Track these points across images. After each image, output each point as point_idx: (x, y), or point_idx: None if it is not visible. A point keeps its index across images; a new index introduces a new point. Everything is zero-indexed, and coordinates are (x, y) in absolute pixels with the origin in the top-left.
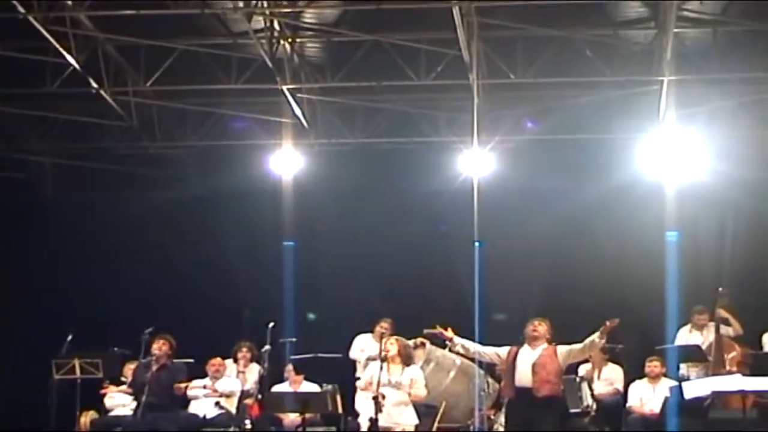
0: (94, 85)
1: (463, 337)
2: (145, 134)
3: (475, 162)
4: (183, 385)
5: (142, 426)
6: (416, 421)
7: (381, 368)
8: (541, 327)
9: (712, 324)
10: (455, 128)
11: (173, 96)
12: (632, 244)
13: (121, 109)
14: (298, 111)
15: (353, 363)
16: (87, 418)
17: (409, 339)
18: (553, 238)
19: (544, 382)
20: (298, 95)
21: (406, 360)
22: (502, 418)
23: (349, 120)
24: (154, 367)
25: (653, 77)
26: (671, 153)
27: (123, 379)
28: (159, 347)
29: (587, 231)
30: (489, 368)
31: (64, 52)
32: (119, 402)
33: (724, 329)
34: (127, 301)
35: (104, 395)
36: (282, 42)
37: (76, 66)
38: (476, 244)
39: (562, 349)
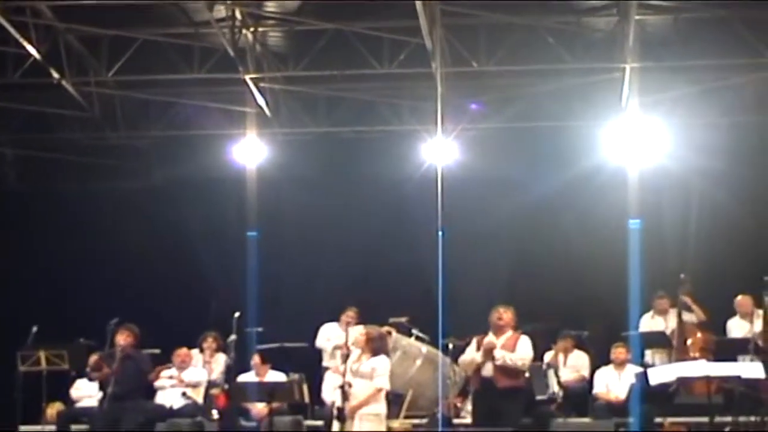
0: (56, 75)
1: (426, 325)
2: (107, 125)
3: (439, 150)
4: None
5: (108, 416)
6: (380, 411)
7: (348, 358)
8: (506, 315)
9: (674, 310)
10: (419, 117)
11: (135, 86)
12: (596, 231)
13: (83, 100)
14: (261, 100)
15: (319, 352)
16: (53, 409)
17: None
18: (517, 226)
19: (505, 373)
20: (261, 84)
21: (375, 350)
22: (469, 406)
23: (312, 109)
24: (119, 358)
25: (615, 65)
26: (634, 140)
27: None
28: (123, 338)
29: (551, 219)
30: (454, 357)
31: (25, 43)
32: (85, 393)
33: (687, 316)
34: (91, 293)
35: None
36: (244, 31)
37: (37, 56)
38: (440, 232)
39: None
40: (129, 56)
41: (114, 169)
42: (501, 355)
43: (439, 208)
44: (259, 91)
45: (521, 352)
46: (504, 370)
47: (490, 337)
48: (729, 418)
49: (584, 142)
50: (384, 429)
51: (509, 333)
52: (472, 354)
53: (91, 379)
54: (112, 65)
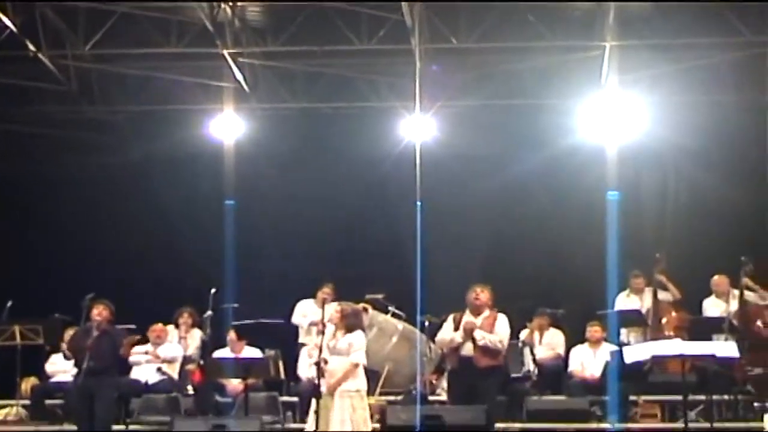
0: (32, 48)
1: (403, 302)
2: (84, 98)
3: (417, 127)
4: (136, 337)
5: (82, 392)
6: (360, 386)
7: (323, 334)
8: (483, 294)
9: (649, 289)
10: (397, 93)
11: (113, 60)
12: (573, 209)
13: (60, 73)
14: (239, 75)
15: (295, 328)
16: (28, 384)
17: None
18: (495, 204)
19: (485, 353)
20: (239, 60)
21: (350, 326)
22: (444, 383)
23: (291, 84)
24: (94, 333)
25: (595, 42)
26: (612, 118)
27: (63, 345)
28: (99, 313)
29: (529, 196)
30: (430, 334)
31: (1, 15)
32: (60, 368)
33: (662, 294)
34: (67, 267)
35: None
36: (222, 5)
37: (14, 29)
38: (417, 207)
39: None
40: (106, 30)
41: (90, 143)
42: (481, 336)
43: (417, 184)
44: (237, 66)
45: (500, 331)
46: (484, 350)
47: (468, 317)
48: (703, 397)
49: (563, 120)
50: (365, 404)
51: (486, 312)
52: (450, 333)
53: (66, 357)
54: (90, 38)
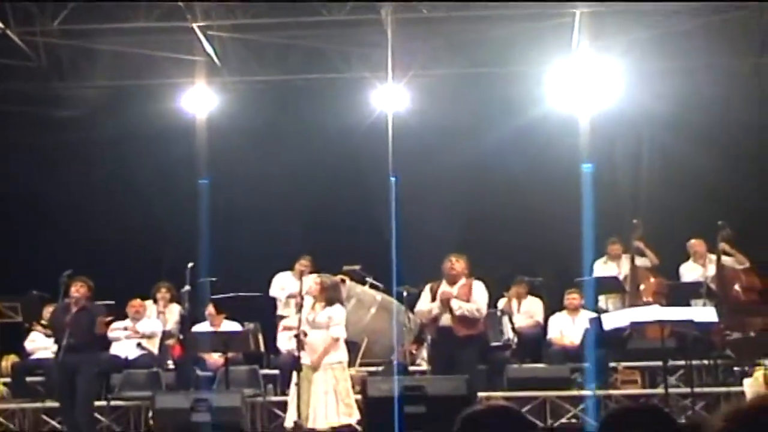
0: (0, 25)
1: (380, 272)
2: (54, 75)
3: (389, 97)
4: (107, 318)
5: (63, 368)
6: (342, 358)
7: (302, 306)
8: (458, 264)
9: (627, 255)
10: (369, 64)
11: (82, 35)
12: (548, 177)
13: (29, 50)
14: (209, 49)
15: (274, 301)
16: (8, 362)
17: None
18: (469, 173)
19: (463, 322)
20: (209, 33)
21: (329, 299)
22: (424, 353)
23: (261, 57)
24: (73, 309)
25: (566, 9)
26: (585, 85)
27: (42, 322)
28: (77, 289)
29: (503, 165)
30: (409, 304)
31: None
32: (40, 345)
33: (640, 261)
34: (44, 244)
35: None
36: None
37: None
38: (392, 179)
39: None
40: (74, 5)
41: (61, 120)
42: (458, 306)
43: (390, 155)
44: (208, 39)
45: (477, 299)
46: (462, 319)
47: (444, 287)
48: (682, 362)
49: (536, 88)
50: (347, 375)
51: (463, 280)
52: (427, 304)
53: (46, 335)
54: (58, 14)
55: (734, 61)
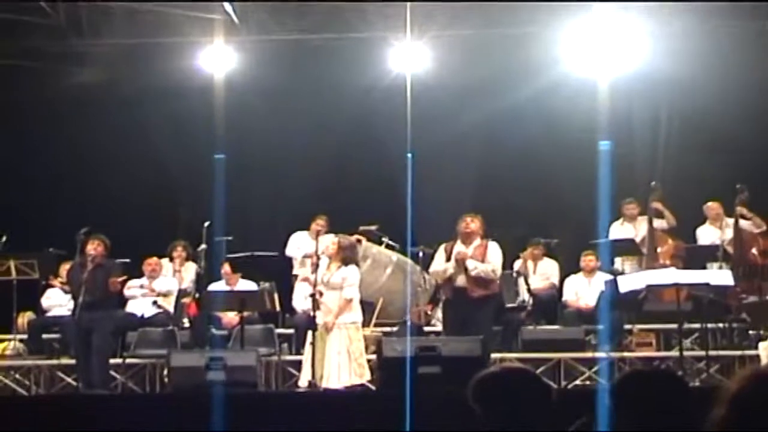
0: None
1: (396, 232)
2: (72, 32)
3: (408, 58)
4: (119, 279)
5: (79, 326)
6: (356, 319)
7: (318, 266)
8: (473, 223)
9: (644, 217)
10: (388, 23)
11: None
12: (566, 140)
13: (48, 7)
14: (228, 8)
15: (290, 261)
16: (24, 318)
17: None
18: (485, 134)
19: (478, 283)
20: None
21: (345, 259)
22: (439, 314)
23: (280, 16)
24: (90, 267)
25: None
26: (604, 46)
27: (59, 279)
28: (94, 247)
29: (521, 126)
30: (425, 264)
31: None
32: (56, 302)
33: (657, 222)
34: (61, 202)
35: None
36: None
37: None
38: (408, 155)
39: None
40: None
41: (79, 78)
42: (473, 266)
43: (408, 116)
44: None
45: (492, 259)
46: (477, 280)
47: (459, 247)
48: (698, 325)
49: (556, 49)
50: (360, 336)
51: (478, 241)
52: (442, 264)
53: (65, 292)
54: None
55: (755, 22)
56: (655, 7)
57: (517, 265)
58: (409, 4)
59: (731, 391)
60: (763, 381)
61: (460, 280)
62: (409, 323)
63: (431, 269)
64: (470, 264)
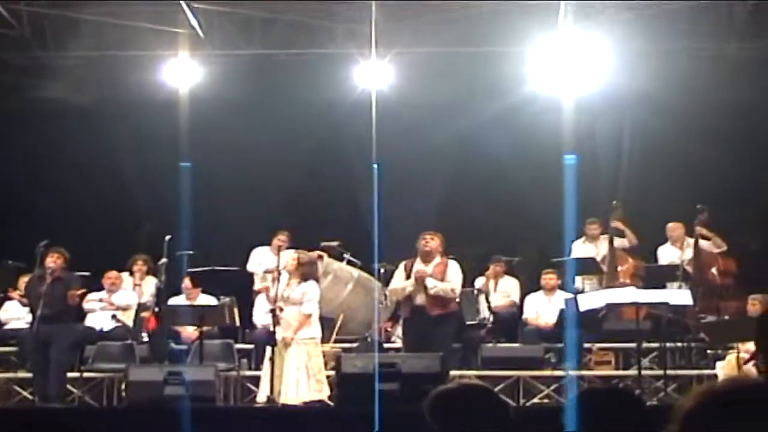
0: None
1: (358, 249)
2: (36, 43)
3: (373, 74)
4: (78, 292)
5: (37, 339)
6: (315, 335)
7: (278, 281)
8: (433, 241)
9: (605, 236)
10: (354, 39)
11: (66, 4)
12: (530, 158)
13: (12, 18)
14: (194, 21)
15: (251, 276)
16: None
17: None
18: (451, 151)
19: (437, 301)
20: (195, 5)
21: (305, 275)
22: (399, 331)
23: (246, 30)
24: (49, 280)
25: None
26: (569, 66)
27: (18, 292)
28: (53, 260)
29: (485, 144)
30: (386, 281)
31: None
32: (14, 315)
33: (619, 241)
34: (20, 214)
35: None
36: None
37: None
38: (374, 166)
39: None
40: None
41: (43, 89)
42: (433, 285)
43: (373, 133)
44: (192, 11)
45: (452, 278)
46: (436, 298)
47: (418, 265)
48: (656, 344)
49: (520, 68)
50: (319, 351)
51: (437, 259)
52: (402, 282)
53: (23, 304)
54: None
55: (717, 45)
56: (618, 27)
57: (480, 282)
58: (374, 20)
59: (685, 408)
60: (716, 398)
61: (419, 299)
62: (377, 338)
63: (390, 287)
64: (429, 282)
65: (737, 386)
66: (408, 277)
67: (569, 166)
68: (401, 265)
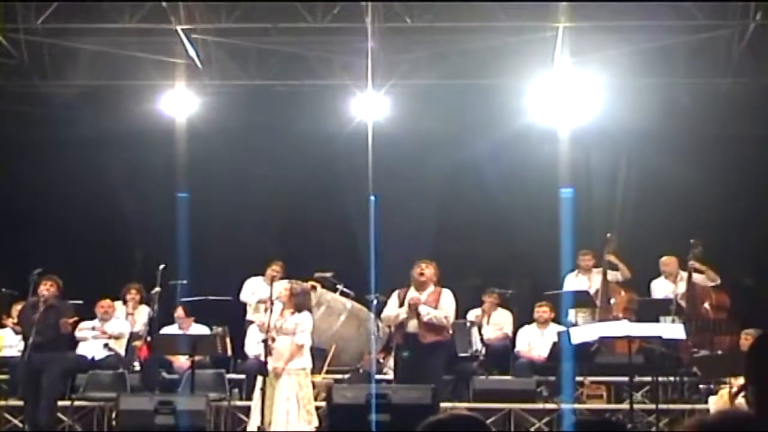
0: None
1: (352, 279)
2: (35, 72)
3: (370, 105)
4: (70, 320)
5: (29, 366)
6: (306, 365)
7: (271, 312)
8: (428, 270)
9: (598, 269)
10: (351, 71)
11: (65, 34)
12: (525, 190)
13: (12, 47)
14: (191, 51)
15: (243, 306)
16: None
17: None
18: (447, 183)
19: (429, 329)
20: (192, 36)
21: (298, 305)
22: (391, 362)
23: (244, 61)
24: (42, 308)
25: (548, 23)
26: (565, 99)
27: (11, 320)
28: (47, 288)
29: (481, 176)
30: (378, 312)
31: None
32: (6, 343)
33: (612, 275)
34: (15, 242)
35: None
36: None
37: None
38: (371, 197)
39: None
40: (59, 4)
41: (41, 118)
42: (426, 312)
43: (369, 164)
44: (190, 42)
45: (445, 306)
46: (429, 326)
47: (412, 293)
48: (649, 378)
49: (516, 101)
50: (309, 382)
51: (431, 288)
52: (395, 309)
53: (15, 332)
54: (42, 12)
55: (713, 79)
56: (613, 62)
57: (473, 314)
58: (371, 52)
59: None
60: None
61: (412, 326)
62: (372, 369)
63: (383, 314)
64: (423, 309)
65: (728, 418)
66: (401, 305)
67: (565, 199)
68: (394, 294)
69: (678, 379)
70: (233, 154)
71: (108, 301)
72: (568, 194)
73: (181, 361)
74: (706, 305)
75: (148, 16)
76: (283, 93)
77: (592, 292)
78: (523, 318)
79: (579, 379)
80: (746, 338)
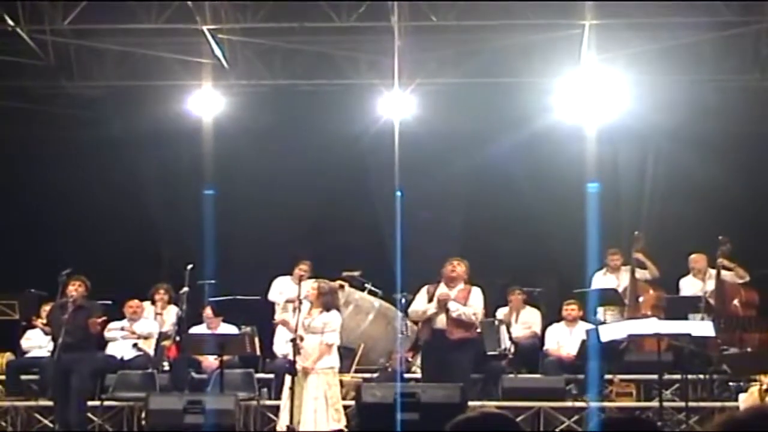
0: (10, 22)
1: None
2: (62, 73)
3: (396, 104)
4: (99, 320)
5: (59, 367)
6: (334, 364)
7: (299, 311)
8: (459, 267)
9: (627, 267)
10: (377, 70)
11: (91, 35)
12: (552, 188)
13: (38, 48)
14: (218, 51)
15: (272, 305)
16: (3, 359)
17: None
18: (474, 181)
19: (458, 325)
20: (219, 36)
21: (326, 304)
22: (419, 361)
23: (270, 61)
24: (70, 308)
25: (575, 21)
26: (592, 97)
27: (40, 321)
28: (75, 288)
29: (508, 174)
30: (405, 308)
31: None
32: (36, 343)
33: (640, 273)
34: (44, 242)
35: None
36: None
37: None
38: (398, 193)
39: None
40: (85, 4)
41: (68, 119)
42: (456, 308)
43: (396, 163)
44: (216, 42)
45: (474, 303)
46: (457, 322)
47: (442, 289)
48: (678, 376)
49: (542, 98)
50: (337, 381)
51: (461, 285)
52: (423, 304)
53: (45, 333)
54: (68, 13)
55: (741, 76)
56: (639, 59)
57: (502, 312)
58: (397, 51)
59: None
60: (738, 426)
61: (440, 322)
62: (398, 368)
63: (411, 308)
64: (452, 306)
65: (759, 414)
66: (430, 300)
67: (591, 194)
68: (423, 289)
69: (707, 376)
70: (260, 153)
71: (136, 301)
72: (594, 188)
73: (210, 361)
74: (735, 302)
75: (174, 17)
76: (309, 92)
77: (620, 290)
78: (551, 316)
79: (608, 377)
80: None
